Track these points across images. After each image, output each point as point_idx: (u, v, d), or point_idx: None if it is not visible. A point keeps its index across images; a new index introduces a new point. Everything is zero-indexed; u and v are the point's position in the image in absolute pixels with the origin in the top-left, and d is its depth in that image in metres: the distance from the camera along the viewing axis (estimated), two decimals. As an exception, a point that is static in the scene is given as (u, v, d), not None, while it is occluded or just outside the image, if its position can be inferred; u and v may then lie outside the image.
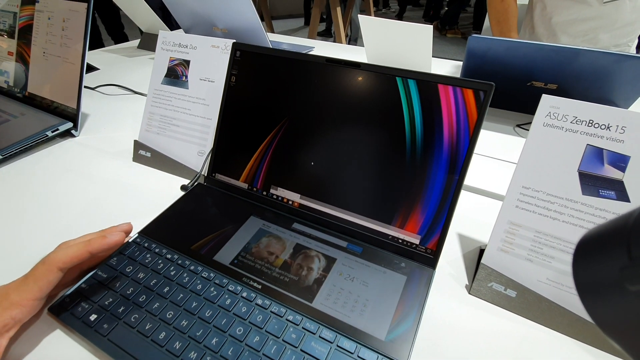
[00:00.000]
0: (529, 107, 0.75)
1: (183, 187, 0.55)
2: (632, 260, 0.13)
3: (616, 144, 0.34)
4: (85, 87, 0.67)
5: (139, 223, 0.45)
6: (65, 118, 0.68)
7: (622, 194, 0.34)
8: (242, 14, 0.87)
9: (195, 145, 0.58)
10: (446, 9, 4.37)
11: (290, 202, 0.46)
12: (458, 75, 0.87)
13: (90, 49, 0.81)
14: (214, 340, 0.32)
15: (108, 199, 0.53)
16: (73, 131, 0.69)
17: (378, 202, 0.42)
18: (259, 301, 0.36)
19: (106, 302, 0.36)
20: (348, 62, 0.42)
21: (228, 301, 0.36)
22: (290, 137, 0.46)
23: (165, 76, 0.60)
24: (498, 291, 0.38)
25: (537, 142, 0.37)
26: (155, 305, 0.35)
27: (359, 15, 0.78)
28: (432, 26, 0.68)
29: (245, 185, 0.49)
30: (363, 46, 0.83)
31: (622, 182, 0.34)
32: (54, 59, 0.71)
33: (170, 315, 0.34)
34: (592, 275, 0.16)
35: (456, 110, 0.38)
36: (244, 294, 0.36)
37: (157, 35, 0.61)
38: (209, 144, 0.56)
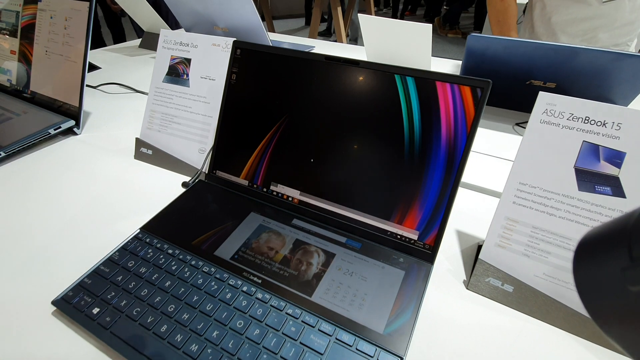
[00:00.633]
0: (528, 105, 0.75)
1: (184, 184, 0.56)
2: (633, 261, 0.14)
3: (612, 141, 0.34)
4: (87, 85, 0.68)
5: (141, 219, 0.46)
6: (67, 116, 0.69)
7: (618, 190, 0.34)
8: (243, 13, 0.87)
9: (196, 142, 0.58)
10: (445, 7, 4.37)
11: (289, 199, 0.47)
12: (458, 73, 0.87)
13: (92, 48, 0.81)
14: (214, 333, 0.33)
15: (110, 196, 0.54)
16: (75, 129, 0.69)
17: (377, 199, 0.42)
18: (259, 295, 0.36)
19: (108, 296, 0.36)
20: (347, 59, 0.43)
21: (228, 295, 0.36)
22: (290, 135, 0.46)
23: (167, 74, 0.60)
24: (495, 286, 0.39)
25: (534, 138, 0.37)
26: (157, 299, 0.36)
27: (358, 14, 0.79)
28: (431, 25, 0.69)
29: (245, 182, 0.50)
30: (363, 45, 0.84)
31: (618, 178, 0.34)
32: (56, 58, 0.71)
33: (172, 309, 0.35)
34: (593, 276, 0.16)
35: (454, 107, 0.38)
36: (244, 288, 0.37)
37: (158, 34, 0.61)
38: (210, 142, 0.57)
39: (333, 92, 0.44)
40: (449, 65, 1.02)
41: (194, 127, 0.58)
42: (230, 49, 0.52)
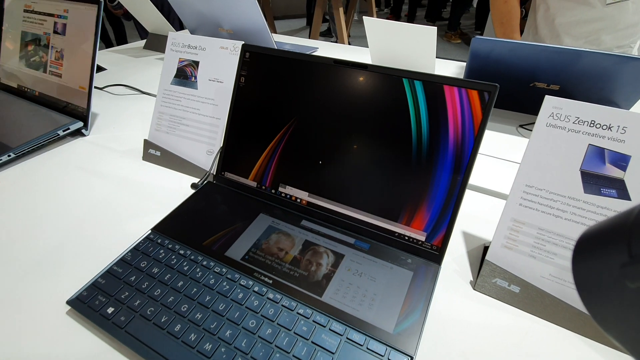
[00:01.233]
0: (532, 107, 0.76)
1: (193, 185, 0.56)
2: (632, 258, 0.14)
3: (617, 144, 0.35)
4: (94, 87, 0.69)
5: (150, 220, 0.46)
6: (75, 118, 0.69)
7: (623, 193, 0.35)
8: (247, 14, 0.88)
9: (204, 144, 0.59)
10: (443, 10, 4.37)
11: (298, 200, 0.48)
12: (462, 75, 0.88)
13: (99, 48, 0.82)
14: (227, 332, 0.34)
15: (119, 197, 0.54)
16: (83, 130, 0.70)
17: (385, 200, 0.43)
18: (270, 295, 0.37)
19: (122, 296, 0.37)
20: (355, 63, 0.43)
21: (240, 295, 0.37)
22: (299, 137, 0.47)
23: (175, 77, 0.61)
24: (502, 287, 0.39)
25: (540, 141, 0.38)
26: (170, 299, 0.37)
27: (363, 17, 0.79)
28: (436, 28, 0.70)
29: (254, 184, 0.51)
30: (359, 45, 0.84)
31: (623, 181, 0.35)
32: (64, 59, 0.72)
33: (185, 309, 0.36)
34: (591, 272, 0.16)
35: (461, 111, 0.39)
36: (256, 289, 0.38)
37: (163, 35, 0.62)
38: (218, 143, 0.58)
39: (341, 95, 0.44)
40: (453, 67, 1.02)
41: (202, 128, 0.59)
42: (238, 52, 0.52)
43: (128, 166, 0.62)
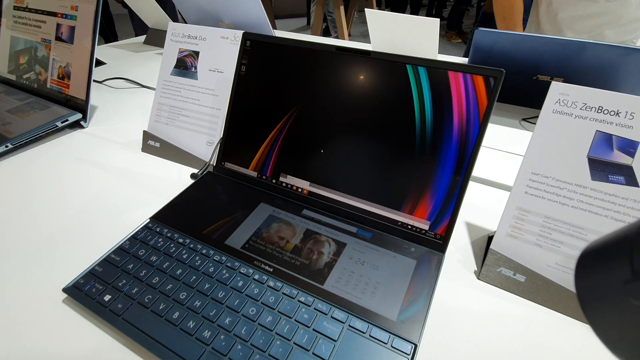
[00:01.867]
0: (535, 101, 0.75)
1: (193, 175, 0.56)
2: (635, 274, 0.13)
3: (625, 130, 0.34)
4: (93, 80, 0.68)
5: (149, 210, 0.46)
6: (74, 109, 0.69)
7: (631, 179, 0.34)
8: (248, 9, 0.87)
9: (204, 135, 0.58)
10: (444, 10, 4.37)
11: (299, 190, 0.47)
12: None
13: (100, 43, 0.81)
14: (227, 320, 0.33)
15: (117, 188, 0.54)
16: (82, 122, 0.69)
17: (387, 189, 0.42)
18: (271, 283, 0.36)
19: (119, 284, 0.36)
20: (358, 50, 0.43)
21: (240, 283, 0.36)
22: (300, 126, 0.46)
23: (175, 67, 0.60)
24: (507, 276, 0.39)
25: (547, 129, 0.37)
26: (169, 287, 0.36)
27: (365, 9, 0.78)
28: (438, 20, 0.69)
29: (254, 174, 0.50)
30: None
31: (632, 167, 0.34)
32: (63, 51, 0.71)
33: (184, 296, 0.35)
34: (594, 289, 0.16)
35: (466, 97, 0.38)
36: (256, 277, 0.37)
37: (163, 30, 0.61)
38: (218, 134, 0.57)
39: (344, 82, 0.44)
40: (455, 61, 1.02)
41: (202, 119, 0.58)
42: (238, 42, 0.52)
43: (127, 157, 0.61)
